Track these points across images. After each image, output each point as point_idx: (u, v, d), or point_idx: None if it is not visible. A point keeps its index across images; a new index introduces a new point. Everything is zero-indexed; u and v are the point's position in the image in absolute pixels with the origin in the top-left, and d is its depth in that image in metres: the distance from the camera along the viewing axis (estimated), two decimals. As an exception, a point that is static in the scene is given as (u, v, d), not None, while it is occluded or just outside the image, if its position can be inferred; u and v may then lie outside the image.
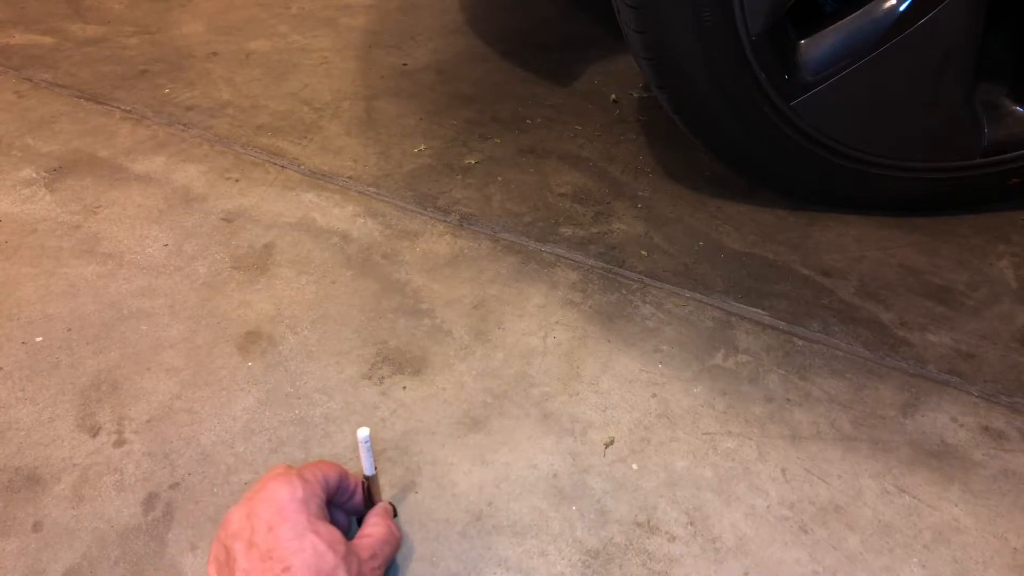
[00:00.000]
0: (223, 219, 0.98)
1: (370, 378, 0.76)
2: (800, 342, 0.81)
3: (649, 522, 0.64)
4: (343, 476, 0.57)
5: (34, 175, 1.06)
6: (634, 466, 0.68)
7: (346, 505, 0.58)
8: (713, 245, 0.94)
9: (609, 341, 0.80)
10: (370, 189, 1.04)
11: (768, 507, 0.65)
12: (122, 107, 1.22)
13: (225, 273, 0.89)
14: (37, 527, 0.63)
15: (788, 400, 0.74)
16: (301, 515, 0.49)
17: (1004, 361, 0.79)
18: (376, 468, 0.60)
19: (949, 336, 0.82)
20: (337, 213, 0.99)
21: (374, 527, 0.57)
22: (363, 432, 0.56)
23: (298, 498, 0.50)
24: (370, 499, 0.60)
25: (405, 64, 1.38)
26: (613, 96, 1.28)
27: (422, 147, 1.13)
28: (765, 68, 0.83)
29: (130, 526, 0.63)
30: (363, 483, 0.59)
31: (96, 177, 1.06)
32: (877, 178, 0.93)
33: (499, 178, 1.06)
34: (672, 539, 0.62)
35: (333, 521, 0.57)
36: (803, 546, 0.62)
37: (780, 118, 0.87)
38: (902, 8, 0.81)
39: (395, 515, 0.63)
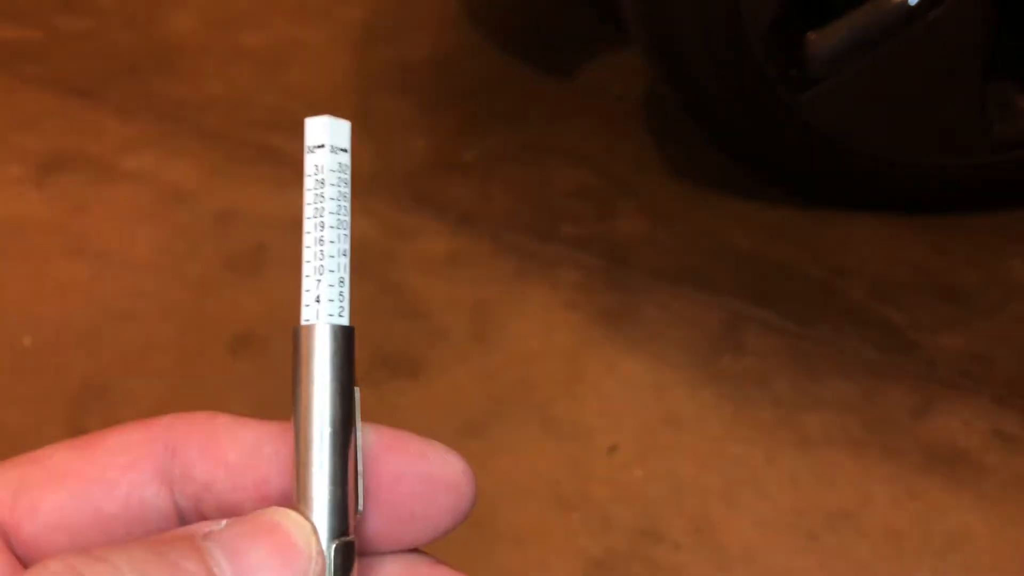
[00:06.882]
0: (214, 218, 0.97)
1: (365, 381, 0.75)
2: (809, 344, 0.80)
3: (654, 530, 0.63)
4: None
5: (21, 172, 1.05)
6: (638, 472, 0.68)
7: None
8: (720, 244, 0.94)
9: (612, 343, 0.80)
10: (365, 186, 1.03)
11: (776, 514, 0.65)
12: (111, 102, 1.21)
13: (216, 273, 0.88)
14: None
15: (797, 404, 0.74)
16: None
17: (1017, 363, 0.79)
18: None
19: (961, 338, 0.82)
20: (332, 211, 0.98)
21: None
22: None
23: None
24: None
25: (403, 57, 1.37)
26: (618, 91, 1.27)
27: (419, 143, 1.12)
28: (773, 62, 0.83)
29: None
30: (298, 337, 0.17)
31: (85, 174, 1.05)
32: (887, 175, 0.93)
33: (499, 175, 1.06)
34: (677, 547, 0.62)
35: None
36: (812, 553, 0.62)
37: (788, 113, 0.87)
38: (913, 0, 0.80)
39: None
